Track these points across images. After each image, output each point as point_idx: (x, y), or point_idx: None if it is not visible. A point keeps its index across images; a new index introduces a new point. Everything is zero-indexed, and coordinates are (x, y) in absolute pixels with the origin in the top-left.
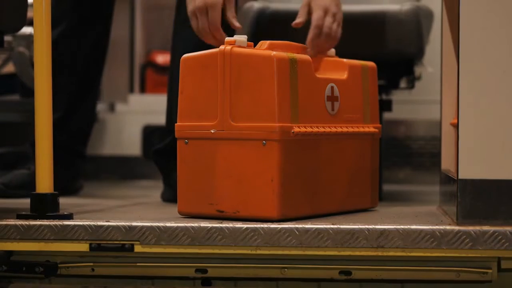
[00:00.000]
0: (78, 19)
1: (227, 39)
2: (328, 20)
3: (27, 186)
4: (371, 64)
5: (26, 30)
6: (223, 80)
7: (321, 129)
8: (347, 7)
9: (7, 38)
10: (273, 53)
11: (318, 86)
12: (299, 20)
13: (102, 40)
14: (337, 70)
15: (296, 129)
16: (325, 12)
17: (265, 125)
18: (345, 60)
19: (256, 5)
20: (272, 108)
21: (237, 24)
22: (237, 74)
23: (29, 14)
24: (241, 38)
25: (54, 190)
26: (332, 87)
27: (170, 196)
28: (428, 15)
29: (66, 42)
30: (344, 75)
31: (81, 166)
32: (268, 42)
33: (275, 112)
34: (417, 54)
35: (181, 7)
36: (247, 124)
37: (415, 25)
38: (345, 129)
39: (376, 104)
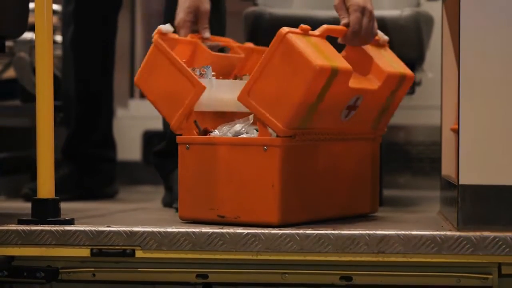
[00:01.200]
0: (85, 24)
1: (160, 27)
2: (365, 21)
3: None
4: (409, 74)
5: (27, 35)
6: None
7: (322, 136)
8: None
9: (8, 43)
10: (318, 61)
11: (345, 96)
12: (345, 21)
13: (109, 48)
14: (373, 77)
15: (298, 136)
16: (362, 12)
17: (270, 118)
18: (385, 68)
19: (256, 10)
20: (289, 109)
21: (206, 35)
22: (279, 59)
23: (30, 19)
24: (166, 26)
25: (81, 197)
26: (357, 98)
27: (170, 201)
28: (428, 20)
29: (76, 47)
30: (376, 85)
31: (111, 171)
32: (325, 27)
33: (289, 114)
34: (417, 59)
35: (166, 13)
36: (255, 105)
37: (415, 30)
38: (348, 136)
39: (393, 112)
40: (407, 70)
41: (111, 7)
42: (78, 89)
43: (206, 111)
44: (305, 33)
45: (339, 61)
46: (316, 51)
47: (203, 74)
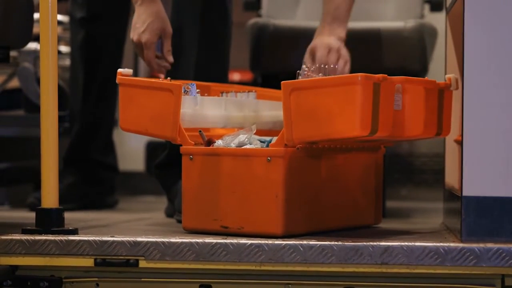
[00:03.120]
0: (96, 31)
1: (119, 70)
2: (332, 57)
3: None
4: (445, 134)
5: (32, 45)
6: None
7: (326, 147)
8: (352, 24)
9: (13, 53)
10: (363, 125)
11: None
12: (303, 66)
13: (117, 54)
14: (410, 125)
15: (302, 147)
16: (329, 50)
17: (291, 126)
18: (428, 127)
19: (260, 21)
20: (311, 135)
21: (170, 59)
22: (339, 94)
23: (35, 29)
24: (125, 70)
25: (86, 206)
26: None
27: (173, 212)
28: (432, 32)
29: (86, 50)
30: (407, 136)
31: (113, 180)
32: (404, 79)
33: (308, 139)
34: (421, 71)
35: (173, 20)
36: (290, 105)
37: (419, 42)
38: (352, 146)
39: None
40: (445, 130)
41: (121, 13)
42: (85, 91)
43: None
44: (380, 81)
45: (384, 122)
46: (372, 107)
47: (187, 91)
